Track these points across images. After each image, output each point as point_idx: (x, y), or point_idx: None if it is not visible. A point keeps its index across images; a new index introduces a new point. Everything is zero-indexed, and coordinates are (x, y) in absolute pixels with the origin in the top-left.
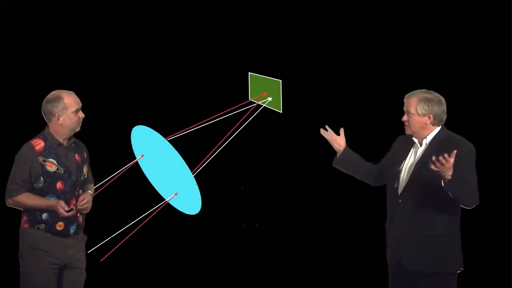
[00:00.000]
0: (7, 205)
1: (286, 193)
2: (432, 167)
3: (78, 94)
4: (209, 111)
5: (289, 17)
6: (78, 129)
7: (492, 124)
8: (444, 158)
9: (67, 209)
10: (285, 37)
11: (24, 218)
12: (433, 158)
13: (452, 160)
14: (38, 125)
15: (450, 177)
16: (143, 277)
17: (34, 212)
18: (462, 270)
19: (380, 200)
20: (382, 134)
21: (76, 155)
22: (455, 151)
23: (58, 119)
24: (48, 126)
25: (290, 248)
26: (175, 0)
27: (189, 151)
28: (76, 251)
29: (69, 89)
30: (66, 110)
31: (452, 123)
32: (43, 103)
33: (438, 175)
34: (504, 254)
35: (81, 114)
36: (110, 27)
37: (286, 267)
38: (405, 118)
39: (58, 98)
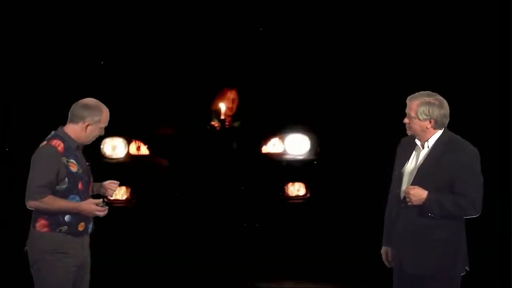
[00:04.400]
0: (28, 207)
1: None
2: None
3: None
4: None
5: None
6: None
7: (494, 125)
8: (404, 191)
9: (101, 204)
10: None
11: (42, 222)
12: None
13: (409, 189)
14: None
15: (422, 203)
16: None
17: (56, 215)
18: (467, 271)
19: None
20: (383, 134)
21: (82, 155)
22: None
23: (86, 127)
24: (63, 127)
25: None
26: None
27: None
28: (86, 248)
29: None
30: (98, 124)
31: (453, 124)
32: (78, 106)
33: (440, 179)
34: (505, 255)
35: (103, 132)
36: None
37: (287, 268)
38: (406, 120)
39: (98, 110)
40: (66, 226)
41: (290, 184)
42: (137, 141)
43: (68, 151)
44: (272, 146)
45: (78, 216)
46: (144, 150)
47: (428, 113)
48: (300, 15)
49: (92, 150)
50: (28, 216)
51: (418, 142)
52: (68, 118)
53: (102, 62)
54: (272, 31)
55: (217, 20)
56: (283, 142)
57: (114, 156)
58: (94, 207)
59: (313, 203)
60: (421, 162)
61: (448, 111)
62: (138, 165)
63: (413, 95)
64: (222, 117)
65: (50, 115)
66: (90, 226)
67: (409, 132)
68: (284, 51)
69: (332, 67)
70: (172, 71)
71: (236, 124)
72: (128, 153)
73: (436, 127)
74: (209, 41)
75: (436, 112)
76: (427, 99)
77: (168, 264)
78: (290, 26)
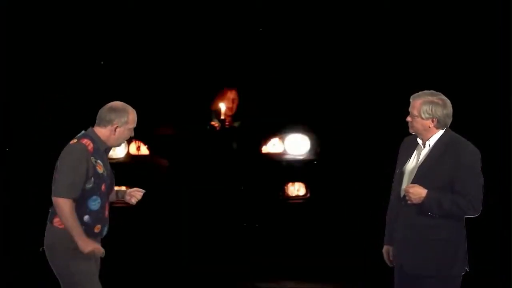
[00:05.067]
0: (54, 202)
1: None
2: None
3: None
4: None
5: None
6: (119, 144)
7: (494, 125)
8: (404, 189)
9: (101, 253)
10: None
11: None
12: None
13: (409, 188)
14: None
15: (421, 201)
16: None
17: (76, 214)
18: (467, 271)
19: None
20: (383, 134)
21: (107, 160)
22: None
23: (115, 130)
24: (93, 129)
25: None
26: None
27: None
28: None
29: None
30: (126, 125)
31: (454, 123)
32: (104, 109)
33: (440, 178)
34: (505, 255)
35: (132, 133)
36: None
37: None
38: (409, 118)
39: (125, 111)
40: (84, 227)
41: (290, 184)
42: (137, 141)
43: (96, 152)
44: (272, 146)
45: (96, 218)
46: (144, 150)
47: (431, 112)
48: (300, 15)
49: None
50: (28, 216)
51: (419, 141)
52: (96, 122)
53: (102, 62)
54: (272, 31)
55: (217, 20)
56: (283, 142)
57: (114, 156)
58: (90, 249)
59: (313, 203)
60: (422, 161)
61: (451, 111)
62: (138, 165)
63: (416, 93)
64: (222, 117)
65: (50, 115)
66: (105, 229)
67: (411, 131)
68: (284, 51)
69: (332, 67)
70: (172, 71)
71: (236, 124)
72: (128, 153)
73: (439, 126)
74: (209, 41)
75: (439, 111)
76: (430, 98)
77: (168, 264)
78: (290, 26)
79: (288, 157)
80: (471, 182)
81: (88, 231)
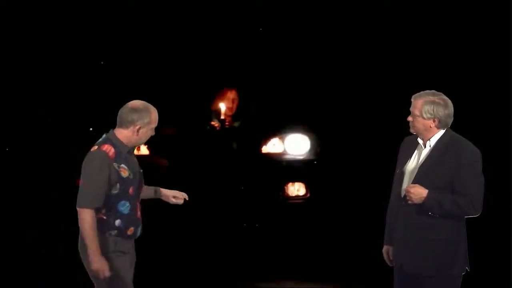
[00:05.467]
0: (78, 211)
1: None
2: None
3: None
4: None
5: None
6: (142, 144)
7: (494, 125)
8: (404, 189)
9: (104, 276)
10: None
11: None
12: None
13: (410, 188)
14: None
15: (422, 201)
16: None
17: (107, 220)
18: (467, 271)
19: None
20: (383, 134)
21: (135, 159)
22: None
23: (138, 130)
24: (114, 131)
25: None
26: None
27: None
28: (133, 248)
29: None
30: (148, 125)
31: (454, 123)
32: (125, 110)
33: (441, 178)
34: (505, 255)
35: (153, 132)
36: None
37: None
38: (410, 118)
39: (147, 111)
40: (116, 230)
41: (290, 184)
42: None
43: (119, 156)
44: (272, 146)
45: (128, 221)
46: (144, 150)
47: (432, 112)
48: (300, 15)
49: None
50: (28, 216)
51: (420, 141)
52: (117, 123)
53: (102, 62)
54: (272, 31)
55: (217, 20)
56: (283, 142)
57: None
58: (97, 268)
59: (313, 203)
60: (423, 161)
61: (453, 111)
62: None
63: (418, 93)
64: (222, 117)
65: (50, 115)
66: (139, 230)
67: (412, 131)
68: (284, 51)
69: (332, 67)
70: (172, 71)
71: (236, 124)
72: None
73: (440, 126)
74: (209, 41)
75: (440, 111)
76: (432, 98)
77: (168, 264)
78: (290, 26)
79: (288, 157)
80: (472, 182)
81: (122, 234)
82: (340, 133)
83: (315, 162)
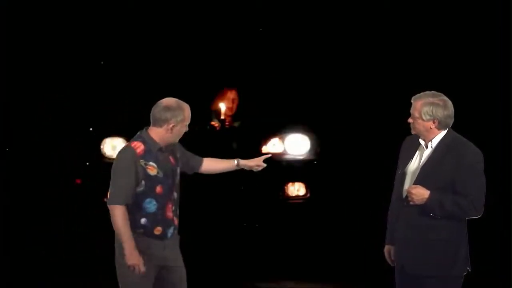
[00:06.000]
0: (109, 208)
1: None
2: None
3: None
4: None
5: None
6: (177, 140)
7: (494, 125)
8: (406, 190)
9: (142, 271)
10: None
11: None
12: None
13: (411, 189)
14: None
15: (424, 202)
16: None
17: (133, 218)
18: (468, 272)
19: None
20: (383, 134)
21: (171, 158)
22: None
23: (171, 128)
24: (148, 129)
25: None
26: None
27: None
28: (171, 251)
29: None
30: (182, 122)
31: (454, 124)
32: (159, 108)
33: (442, 179)
34: (505, 255)
35: (187, 129)
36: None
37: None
38: (410, 120)
39: (180, 109)
40: (142, 229)
41: (290, 184)
42: None
43: (148, 154)
44: (272, 146)
45: (154, 220)
46: None
47: (431, 114)
48: (300, 16)
49: (92, 150)
50: (28, 216)
51: (422, 142)
52: (151, 122)
53: (102, 62)
54: (272, 31)
55: (217, 20)
56: (283, 142)
57: (114, 156)
58: (133, 262)
59: (313, 203)
60: (424, 162)
61: (452, 112)
62: None
63: (417, 95)
64: (222, 117)
65: (50, 115)
66: (170, 231)
67: (413, 132)
68: (284, 51)
69: (332, 67)
70: (172, 71)
71: (236, 124)
72: None
73: (440, 127)
74: (209, 41)
75: (440, 112)
76: (431, 99)
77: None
78: (290, 27)
79: (288, 157)
80: (473, 183)
81: (148, 233)
82: (340, 133)
83: (315, 162)
